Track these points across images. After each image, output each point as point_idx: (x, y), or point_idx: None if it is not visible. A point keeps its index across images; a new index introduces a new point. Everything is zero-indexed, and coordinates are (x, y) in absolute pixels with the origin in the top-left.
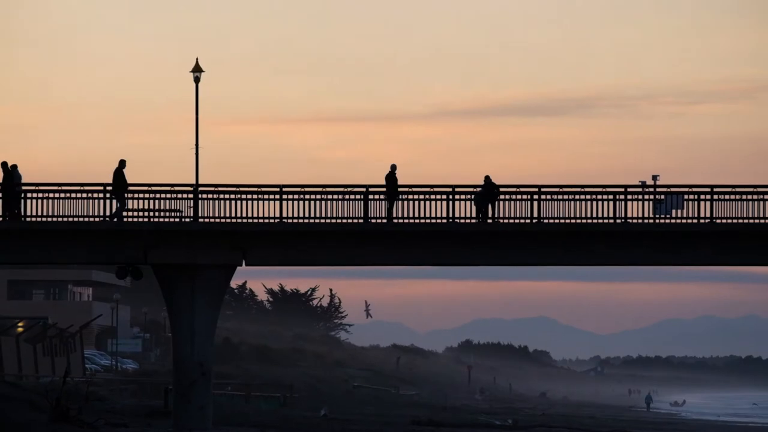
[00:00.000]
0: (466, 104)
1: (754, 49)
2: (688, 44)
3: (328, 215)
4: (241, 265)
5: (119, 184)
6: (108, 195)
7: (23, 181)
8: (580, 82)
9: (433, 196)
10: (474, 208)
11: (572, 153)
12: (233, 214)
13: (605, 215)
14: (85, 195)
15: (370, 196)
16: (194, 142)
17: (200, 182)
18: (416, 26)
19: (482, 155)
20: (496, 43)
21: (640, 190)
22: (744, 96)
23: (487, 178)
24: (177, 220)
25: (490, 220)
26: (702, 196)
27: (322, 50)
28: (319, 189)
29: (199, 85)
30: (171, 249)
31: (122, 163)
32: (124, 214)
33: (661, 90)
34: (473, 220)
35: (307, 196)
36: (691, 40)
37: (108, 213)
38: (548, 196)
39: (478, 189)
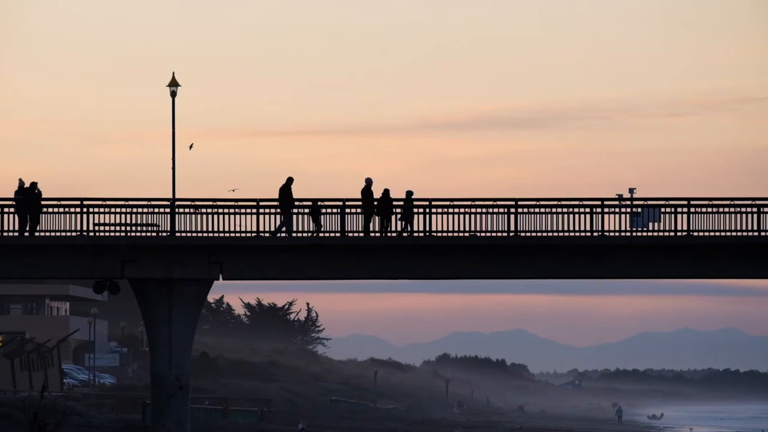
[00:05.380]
0: (445, 117)
1: (733, 61)
2: (666, 57)
3: (305, 230)
4: (218, 279)
5: (287, 201)
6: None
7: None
8: (558, 95)
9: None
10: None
11: (550, 166)
12: (210, 228)
13: (582, 228)
14: (62, 210)
15: (347, 210)
16: (171, 157)
17: (177, 196)
18: (396, 39)
19: (461, 168)
20: (474, 56)
21: (617, 203)
22: (722, 108)
23: (386, 191)
24: (154, 234)
25: (405, 234)
26: (679, 209)
27: (301, 63)
28: (296, 203)
29: (176, 99)
30: (148, 263)
31: (290, 180)
32: (107, 228)
33: (638, 103)
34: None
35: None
36: (668, 53)
37: (85, 228)
38: (525, 209)
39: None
